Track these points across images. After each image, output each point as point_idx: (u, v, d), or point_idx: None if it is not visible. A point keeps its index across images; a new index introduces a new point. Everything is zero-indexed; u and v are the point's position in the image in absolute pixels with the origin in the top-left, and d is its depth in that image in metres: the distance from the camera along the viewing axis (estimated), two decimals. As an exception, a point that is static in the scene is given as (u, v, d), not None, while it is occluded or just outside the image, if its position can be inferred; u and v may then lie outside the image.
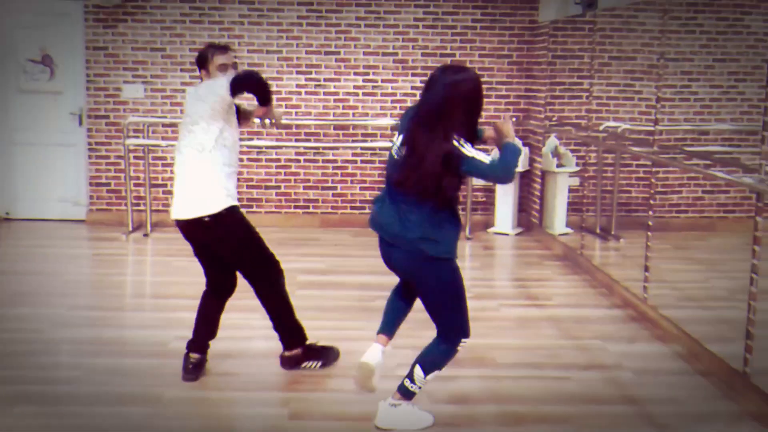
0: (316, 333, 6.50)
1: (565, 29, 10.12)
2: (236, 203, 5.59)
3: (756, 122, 9.09)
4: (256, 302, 7.14)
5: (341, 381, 5.74)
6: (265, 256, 5.82)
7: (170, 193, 10.42)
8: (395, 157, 4.77)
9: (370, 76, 10.65)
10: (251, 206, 10.68)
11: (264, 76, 5.62)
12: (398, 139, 4.78)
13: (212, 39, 10.44)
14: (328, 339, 6.32)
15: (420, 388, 4.97)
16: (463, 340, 4.90)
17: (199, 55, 5.63)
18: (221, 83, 5.28)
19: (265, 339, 6.41)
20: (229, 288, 5.96)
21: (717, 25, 9.54)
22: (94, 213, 10.82)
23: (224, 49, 5.65)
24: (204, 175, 5.44)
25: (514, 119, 10.64)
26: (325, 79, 10.64)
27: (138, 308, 7.52)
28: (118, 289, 8.09)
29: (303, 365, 5.96)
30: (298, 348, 5.98)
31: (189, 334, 5.97)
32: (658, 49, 7.30)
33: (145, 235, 10.08)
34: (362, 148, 10.65)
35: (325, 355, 6.05)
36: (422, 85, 4.81)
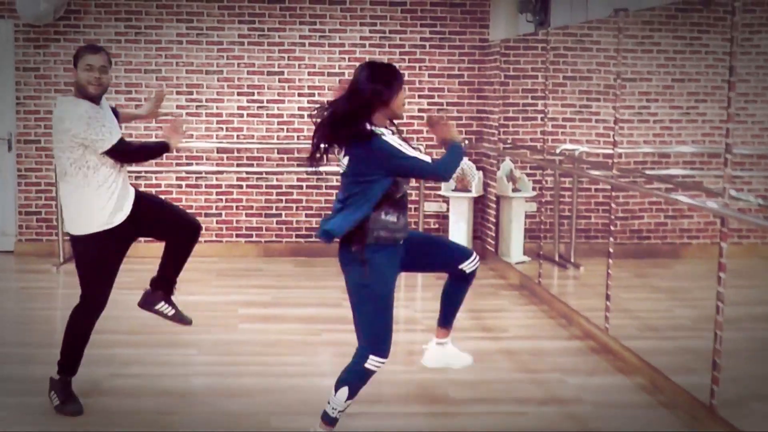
0: (257, 369, 6.45)
1: (518, 48, 10.13)
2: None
3: (718, 144, 9.14)
4: (196, 337, 7.08)
5: (287, 419, 5.65)
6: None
7: (104, 221, 10.32)
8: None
9: (315, 97, 10.58)
10: (190, 235, 10.54)
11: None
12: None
13: (149, 59, 10.39)
14: (270, 375, 6.27)
15: (335, 409, 4.94)
16: (372, 356, 4.86)
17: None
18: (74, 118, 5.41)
19: (206, 376, 6.33)
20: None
21: (674, 44, 9.57)
22: (22, 243, 10.63)
23: (95, 49, 5.58)
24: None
25: (466, 142, 10.62)
26: (268, 101, 10.56)
27: (69, 345, 7.35)
28: (48, 324, 7.92)
29: (157, 306, 6.20)
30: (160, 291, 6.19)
31: (124, 371, 5.90)
32: (615, 69, 7.31)
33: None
34: (308, 173, 10.57)
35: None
36: None
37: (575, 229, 9.74)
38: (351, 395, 4.92)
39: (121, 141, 5.52)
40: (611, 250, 7.24)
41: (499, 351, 7.09)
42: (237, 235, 10.70)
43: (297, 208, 10.70)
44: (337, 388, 4.94)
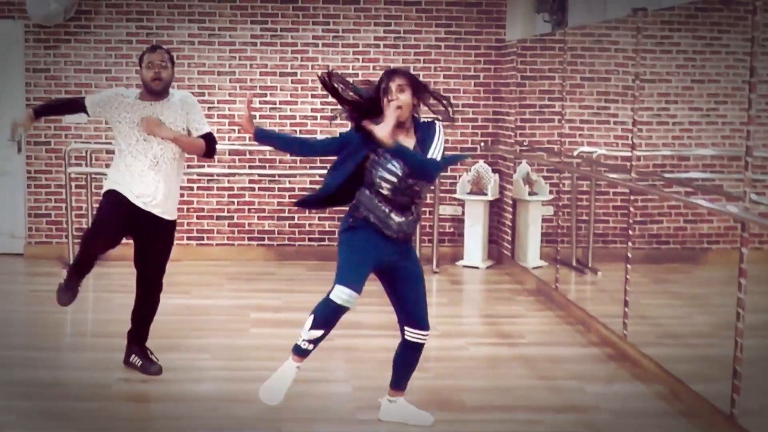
0: (269, 374, 6.40)
1: (534, 48, 10.09)
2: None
3: (738, 147, 9.08)
4: (207, 341, 7.06)
5: (298, 425, 5.66)
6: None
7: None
8: None
9: (329, 99, 10.48)
10: (202, 238, 10.54)
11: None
12: None
13: (160, 60, 10.36)
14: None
15: (304, 340, 5.25)
16: (337, 285, 5.16)
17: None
18: None
19: (216, 381, 6.31)
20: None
21: (694, 44, 9.52)
22: (32, 246, 10.63)
23: (155, 48, 6.24)
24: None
25: (482, 144, 10.59)
26: (280, 102, 10.54)
27: (77, 348, 7.38)
28: (56, 328, 7.92)
29: (131, 358, 6.50)
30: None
31: (132, 375, 6.08)
32: (633, 70, 7.27)
33: (87, 269, 9.89)
34: (320, 176, 10.53)
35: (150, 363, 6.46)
36: None
37: (593, 234, 9.69)
38: (314, 324, 5.17)
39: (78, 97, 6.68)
40: (629, 255, 7.19)
41: (516, 357, 7.04)
42: (249, 239, 10.68)
43: (310, 211, 10.67)
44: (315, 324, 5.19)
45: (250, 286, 9.33)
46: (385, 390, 5.68)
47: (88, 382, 6.34)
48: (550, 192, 9.92)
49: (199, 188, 10.53)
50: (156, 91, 6.09)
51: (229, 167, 10.50)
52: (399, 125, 5.15)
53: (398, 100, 5.11)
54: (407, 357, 5.53)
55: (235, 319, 7.98)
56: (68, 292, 6.37)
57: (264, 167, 10.49)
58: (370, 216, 5.20)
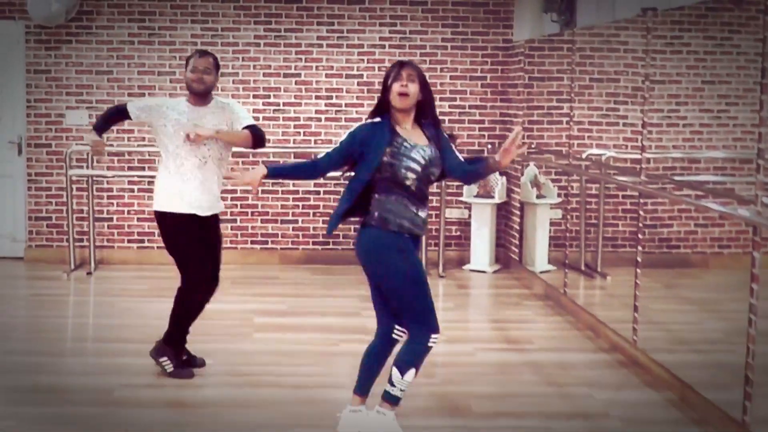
0: (273, 380, 6.42)
1: (542, 49, 10.08)
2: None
3: (750, 149, 9.06)
4: (210, 346, 7.07)
5: (300, 431, 5.61)
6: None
7: (116, 227, 10.35)
8: None
9: (333, 100, 10.57)
10: (205, 241, 10.53)
11: None
12: None
13: (162, 61, 10.40)
14: (286, 386, 6.25)
15: (402, 390, 5.26)
16: (432, 335, 5.21)
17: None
18: None
19: (220, 387, 6.31)
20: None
21: (704, 44, 9.51)
22: (32, 250, 10.64)
23: (202, 53, 6.47)
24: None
25: (489, 146, 10.59)
26: (284, 104, 10.54)
27: (79, 353, 7.39)
28: (58, 333, 7.94)
29: (161, 359, 6.53)
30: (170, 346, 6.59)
31: (135, 380, 6.09)
32: (643, 71, 7.26)
33: (89, 273, 9.92)
34: (325, 178, 10.53)
35: (183, 366, 6.60)
36: None
37: (602, 237, 9.69)
38: (417, 371, 5.30)
39: (120, 104, 6.58)
40: (639, 259, 7.18)
41: (524, 363, 7.03)
42: (252, 242, 10.68)
43: (314, 214, 10.67)
44: (404, 370, 5.23)
45: (254, 290, 9.33)
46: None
47: (89, 387, 6.34)
48: (559, 195, 9.92)
49: (201, 191, 10.52)
50: (197, 91, 6.33)
51: (232, 170, 10.45)
52: (403, 112, 5.22)
53: (407, 87, 5.15)
54: (384, 355, 5.50)
55: (239, 324, 7.98)
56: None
57: (268, 170, 10.47)
58: (404, 222, 5.18)
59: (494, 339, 7.74)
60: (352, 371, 6.45)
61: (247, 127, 6.40)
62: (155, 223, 10.06)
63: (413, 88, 5.17)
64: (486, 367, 6.91)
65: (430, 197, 5.40)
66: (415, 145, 5.17)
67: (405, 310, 5.24)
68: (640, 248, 7.20)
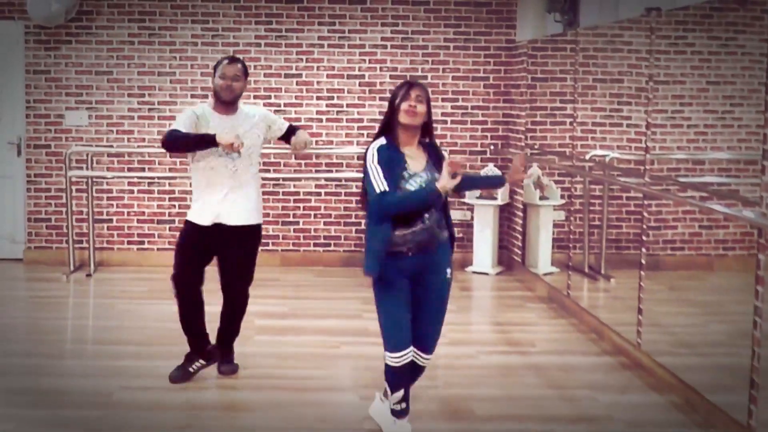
0: (274, 383, 6.42)
1: (545, 49, 10.07)
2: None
3: (755, 150, 9.04)
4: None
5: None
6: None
7: (116, 229, 10.34)
8: None
9: (335, 101, 10.56)
10: (205, 243, 10.52)
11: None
12: None
13: (162, 61, 10.40)
14: (287, 389, 6.25)
15: (395, 404, 5.42)
16: (386, 353, 5.31)
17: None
18: None
19: (220, 389, 6.30)
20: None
21: (709, 44, 9.50)
22: (32, 251, 10.63)
23: (232, 60, 6.38)
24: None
25: (491, 147, 10.58)
26: (285, 104, 10.53)
27: (79, 355, 7.38)
28: (58, 335, 7.94)
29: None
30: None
31: (134, 383, 6.11)
32: (647, 71, 7.25)
33: (88, 275, 9.92)
34: (326, 180, 10.54)
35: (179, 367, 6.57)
36: None
37: (606, 239, 9.68)
38: (392, 390, 5.39)
39: (171, 130, 6.17)
40: (643, 261, 7.17)
41: (527, 366, 7.03)
42: (253, 244, 10.66)
43: (315, 215, 10.66)
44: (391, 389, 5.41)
45: (255, 292, 9.20)
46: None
47: (89, 389, 6.34)
48: (562, 196, 9.90)
49: (202, 192, 10.52)
50: (225, 101, 6.26)
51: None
52: (408, 129, 5.25)
53: (416, 107, 5.19)
54: (413, 374, 5.53)
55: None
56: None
57: (268, 171, 10.44)
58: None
59: (497, 342, 7.73)
60: (353, 374, 6.47)
61: (290, 129, 6.55)
62: (155, 225, 10.15)
63: (421, 108, 5.22)
64: (488, 370, 6.91)
65: None
66: (414, 174, 5.21)
67: None
68: (644, 250, 7.19)
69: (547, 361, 7.18)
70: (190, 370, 6.50)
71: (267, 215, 10.54)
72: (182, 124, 6.17)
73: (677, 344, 7.68)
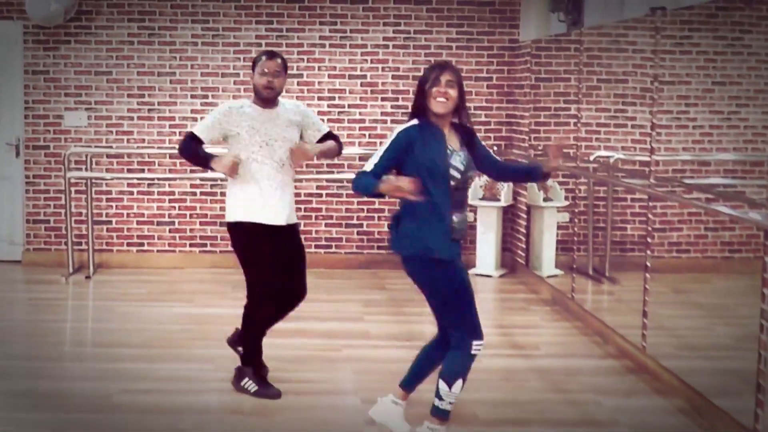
0: (275, 385, 6.40)
1: (549, 49, 10.06)
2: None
3: (761, 152, 9.02)
4: (211, 352, 7.07)
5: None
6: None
7: (115, 231, 10.34)
8: None
9: (336, 101, 10.56)
10: (205, 245, 10.53)
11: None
12: None
13: (162, 61, 10.39)
14: (288, 393, 6.27)
15: (451, 403, 5.28)
16: (475, 342, 5.22)
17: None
18: None
19: (220, 393, 6.30)
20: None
21: (715, 44, 9.49)
22: (30, 253, 10.63)
23: (271, 54, 6.32)
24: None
25: (495, 148, 10.58)
26: (286, 105, 10.52)
27: (78, 358, 7.37)
28: (57, 337, 7.94)
29: (242, 383, 6.33)
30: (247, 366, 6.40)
31: (134, 386, 6.12)
32: (652, 71, 7.25)
33: (87, 277, 9.92)
34: (327, 181, 10.53)
35: (267, 386, 6.34)
36: (393, 110, 5.09)
37: (610, 241, 9.66)
38: (464, 382, 5.31)
39: (188, 134, 6.23)
40: (648, 263, 7.17)
41: (530, 369, 7.03)
42: (254, 246, 10.65)
43: (316, 217, 10.66)
44: (451, 381, 5.25)
45: (256, 294, 9.30)
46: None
47: (88, 392, 6.35)
48: (566, 198, 9.90)
49: (202, 193, 10.52)
50: (266, 98, 6.19)
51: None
52: (441, 117, 5.24)
53: (446, 92, 5.17)
54: (439, 358, 5.48)
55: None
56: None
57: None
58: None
59: (500, 345, 7.72)
60: (355, 377, 6.46)
61: (327, 135, 6.43)
62: (155, 227, 10.13)
63: (453, 93, 5.19)
64: (492, 374, 6.88)
65: None
66: (454, 151, 5.24)
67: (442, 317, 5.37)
68: (649, 252, 7.19)
69: (551, 364, 7.18)
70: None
71: (268, 217, 10.55)
72: (203, 130, 6.16)
73: (683, 347, 7.67)
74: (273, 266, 6.24)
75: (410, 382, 5.58)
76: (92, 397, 6.24)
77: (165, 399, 6.20)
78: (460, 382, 5.25)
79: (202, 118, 6.59)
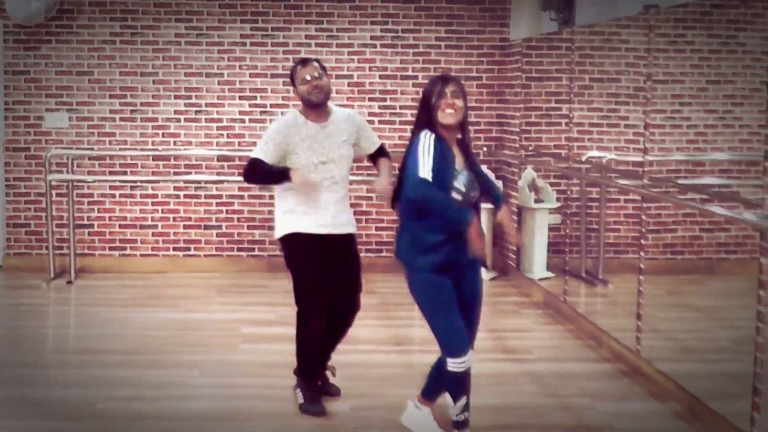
0: (261, 392, 6.42)
1: (540, 48, 10.08)
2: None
3: (756, 151, 9.05)
4: (196, 358, 7.06)
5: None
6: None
7: (97, 234, 10.31)
8: None
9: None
10: (189, 249, 10.52)
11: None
12: None
13: (145, 61, 10.38)
14: (275, 399, 6.24)
15: (458, 415, 5.38)
16: (449, 359, 5.20)
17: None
18: None
19: (206, 399, 6.29)
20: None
21: (709, 42, 9.52)
22: (11, 258, 10.61)
23: (305, 61, 6.15)
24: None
25: (485, 149, 10.58)
26: (271, 105, 10.52)
27: (61, 365, 7.31)
28: (39, 344, 7.92)
29: (296, 390, 6.27)
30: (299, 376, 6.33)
31: (119, 393, 6.08)
32: (645, 70, 7.26)
33: (69, 282, 9.90)
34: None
35: (313, 402, 6.20)
36: (381, 110, 5.07)
37: (603, 243, 9.69)
38: (456, 399, 5.36)
39: (252, 160, 6.02)
40: (642, 265, 7.18)
41: (523, 374, 7.03)
42: (239, 249, 10.66)
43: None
44: (452, 397, 5.38)
45: (241, 299, 9.31)
46: (385, 409, 5.68)
47: (72, 399, 6.32)
48: (558, 199, 9.92)
49: (186, 196, 10.51)
50: (317, 102, 6.03)
51: (218, 174, 10.48)
52: (450, 131, 5.24)
53: (454, 104, 5.17)
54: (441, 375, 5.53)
55: (226, 334, 7.96)
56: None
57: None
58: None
59: (492, 349, 7.73)
60: (343, 382, 6.46)
61: (379, 150, 6.39)
62: (138, 230, 10.11)
63: (460, 104, 5.20)
64: (484, 379, 6.86)
65: None
66: (460, 171, 5.25)
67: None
68: (642, 254, 7.20)
69: (544, 368, 7.19)
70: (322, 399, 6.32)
71: (253, 219, 10.56)
72: (266, 153, 5.97)
73: (678, 350, 7.69)
74: (322, 283, 6.09)
75: (426, 391, 5.67)
76: (76, 405, 6.22)
77: (150, 406, 6.19)
78: (462, 397, 5.33)
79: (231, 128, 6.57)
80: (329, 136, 6.05)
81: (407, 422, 5.69)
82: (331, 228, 6.08)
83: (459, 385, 5.30)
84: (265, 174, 6.04)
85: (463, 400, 5.33)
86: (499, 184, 10.36)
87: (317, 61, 6.15)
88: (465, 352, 5.21)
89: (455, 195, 5.18)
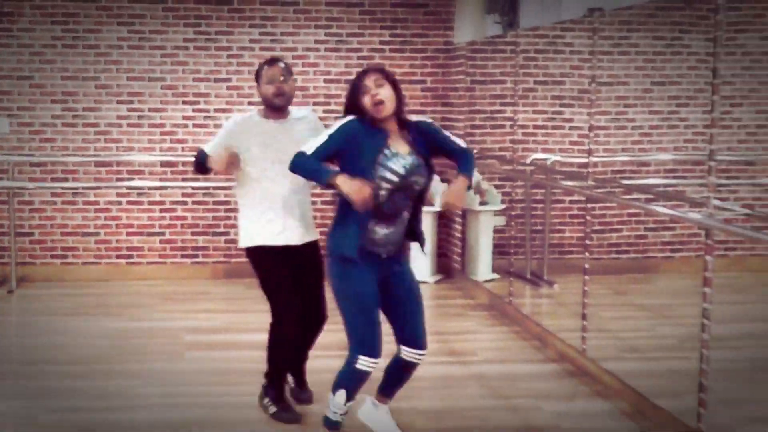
0: (206, 401, 6.37)
1: (485, 51, 10.11)
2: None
3: (701, 151, 9.14)
4: (139, 367, 6.99)
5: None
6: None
7: (38, 243, 10.21)
8: None
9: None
10: (131, 256, 10.44)
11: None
12: None
13: (87, 65, 10.29)
14: (220, 407, 6.20)
15: (335, 413, 5.29)
16: (361, 357, 5.16)
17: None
18: None
19: (151, 409, 6.25)
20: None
21: (654, 45, 9.61)
22: (-45, 267, 10.49)
23: (272, 61, 6.08)
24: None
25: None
26: (215, 110, 10.45)
27: (2, 376, 7.20)
28: (2, 355, 7.85)
29: (264, 401, 6.22)
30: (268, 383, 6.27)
31: (61, 404, 6.02)
32: (589, 73, 7.30)
33: (10, 291, 9.79)
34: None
35: (285, 409, 6.17)
36: (325, 114, 5.04)
37: (548, 244, 9.74)
38: (349, 397, 5.25)
39: (198, 151, 6.11)
40: (587, 265, 7.22)
41: (469, 376, 7.04)
42: (182, 256, 10.60)
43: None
44: (334, 390, 5.24)
45: (184, 306, 9.25)
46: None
47: (12, 412, 6.24)
48: (502, 201, 9.94)
49: (128, 203, 10.44)
50: (279, 106, 5.97)
51: (161, 180, 10.40)
52: (384, 120, 5.10)
53: (378, 95, 5.02)
54: (399, 373, 5.53)
55: (169, 342, 7.89)
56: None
57: (197, 180, 10.35)
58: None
59: (437, 352, 7.72)
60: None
61: None
62: (80, 238, 10.02)
63: (386, 92, 5.06)
64: (429, 382, 6.88)
65: None
66: (396, 154, 5.10)
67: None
68: (587, 254, 7.24)
69: (489, 370, 7.19)
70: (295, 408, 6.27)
71: (196, 226, 10.50)
72: (214, 147, 5.99)
73: (624, 349, 7.73)
74: (292, 289, 6.04)
75: (383, 387, 5.64)
76: (17, 417, 6.14)
77: (94, 417, 6.11)
78: (342, 392, 5.23)
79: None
80: (287, 133, 5.96)
81: (365, 418, 5.64)
82: (296, 238, 5.99)
83: (362, 383, 5.28)
84: (197, 163, 6.07)
85: (350, 403, 5.28)
86: (444, 186, 10.36)
87: (285, 63, 6.07)
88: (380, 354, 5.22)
89: (389, 175, 5.02)
